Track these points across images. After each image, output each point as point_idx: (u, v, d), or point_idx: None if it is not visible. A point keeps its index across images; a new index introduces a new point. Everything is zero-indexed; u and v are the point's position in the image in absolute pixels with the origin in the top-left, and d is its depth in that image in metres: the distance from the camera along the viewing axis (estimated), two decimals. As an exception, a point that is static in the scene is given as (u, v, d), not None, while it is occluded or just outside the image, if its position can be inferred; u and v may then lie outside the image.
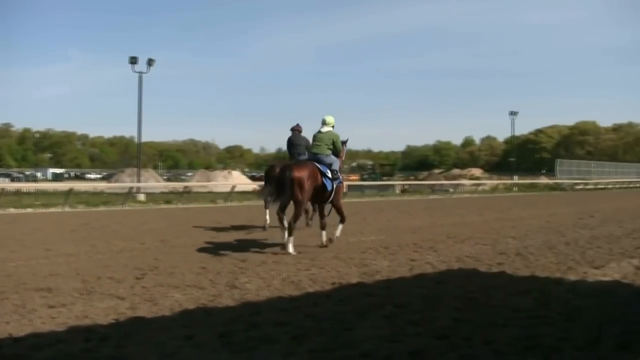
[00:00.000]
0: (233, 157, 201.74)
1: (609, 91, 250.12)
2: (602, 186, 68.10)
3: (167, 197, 39.26)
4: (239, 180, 57.06)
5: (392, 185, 53.56)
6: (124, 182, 54.06)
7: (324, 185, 13.64)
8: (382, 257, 12.31)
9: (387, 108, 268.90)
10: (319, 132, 14.28)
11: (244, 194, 44.31)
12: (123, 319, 7.17)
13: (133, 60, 43.75)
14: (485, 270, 10.90)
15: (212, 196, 40.94)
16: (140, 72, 44.04)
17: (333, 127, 14.39)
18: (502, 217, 23.52)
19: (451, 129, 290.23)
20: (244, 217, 23.31)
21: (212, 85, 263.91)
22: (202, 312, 7.53)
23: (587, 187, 65.90)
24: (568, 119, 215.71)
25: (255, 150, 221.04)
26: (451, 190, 52.98)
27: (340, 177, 14.64)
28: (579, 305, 7.83)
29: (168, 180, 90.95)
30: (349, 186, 50.97)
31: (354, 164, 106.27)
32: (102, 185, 57.36)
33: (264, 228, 18.26)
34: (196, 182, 57.28)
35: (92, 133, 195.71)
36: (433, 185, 55.21)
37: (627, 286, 9.39)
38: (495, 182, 63.84)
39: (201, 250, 13.65)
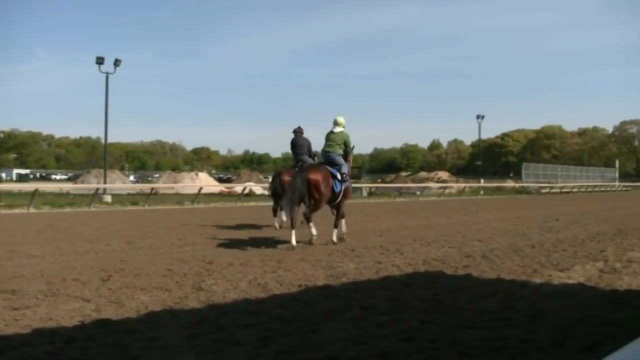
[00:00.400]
0: (200, 158, 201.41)
1: (574, 96, 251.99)
2: (568, 190, 68.63)
3: (134, 198, 39.10)
4: (206, 182, 56.73)
5: (359, 188, 53.56)
6: (90, 183, 53.62)
7: (333, 187, 14.79)
8: (348, 260, 12.31)
9: (354, 110, 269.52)
10: (332, 132, 15.38)
11: (211, 196, 44.27)
12: (88, 321, 7.10)
13: (100, 61, 43.38)
14: (452, 273, 10.93)
15: (179, 198, 40.91)
16: (107, 73, 43.73)
17: (344, 127, 15.47)
18: (468, 220, 23.63)
19: (419, 132, 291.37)
20: (211, 219, 23.30)
21: (179, 86, 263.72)
22: (168, 314, 7.49)
23: (553, 190, 66.37)
24: (534, 123, 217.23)
25: (223, 152, 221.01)
26: (418, 193, 53.16)
27: (348, 180, 15.75)
28: (544, 308, 7.87)
29: (136, 181, 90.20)
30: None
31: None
32: (68, 187, 57.08)
33: (278, 228, 19.10)
34: (163, 184, 56.92)
35: (58, 133, 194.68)
36: (400, 187, 55.39)
37: (591, 289, 9.45)
38: (462, 185, 64.09)
39: (167, 252, 13.61)
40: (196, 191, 39.04)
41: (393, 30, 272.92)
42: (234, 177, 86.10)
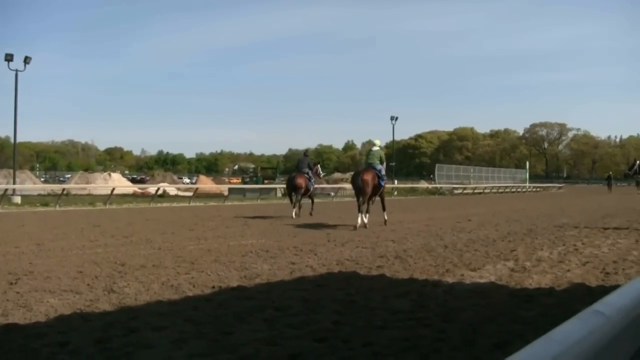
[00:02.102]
0: (113, 159, 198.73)
1: (486, 99, 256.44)
2: (480, 191, 69.78)
3: (45, 199, 38.32)
4: (119, 183, 55.83)
5: (274, 189, 53.52)
6: (-2, 184, 52.30)
7: (379, 184, 21.24)
8: (262, 261, 12.28)
9: (269, 111, 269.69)
10: (371, 150, 22.28)
11: (124, 197, 43.74)
12: (-6, 326, 6.90)
13: (9, 57, 42.25)
14: (365, 273, 11.00)
15: (92, 199, 40.38)
16: (17, 70, 42.65)
17: (379, 147, 22.27)
18: (382, 220, 23.83)
19: (333, 133, 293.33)
20: (124, 220, 23.01)
21: (92, 85, 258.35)
22: (78, 318, 7.34)
23: (465, 191, 67.38)
24: (447, 125, 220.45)
25: (136, 152, 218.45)
26: (332, 194, 53.36)
27: (386, 179, 22.69)
28: (456, 307, 7.98)
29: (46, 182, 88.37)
30: (230, 189, 51.17)
31: (236, 167, 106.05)
32: (-25, 187, 55.53)
33: (292, 216, 25.19)
34: (75, 184, 55.87)
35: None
36: (315, 188, 55.52)
37: (502, 287, 9.63)
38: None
39: (79, 254, 13.34)
40: (109, 192, 38.44)
41: (308, 31, 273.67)
42: (148, 178, 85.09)
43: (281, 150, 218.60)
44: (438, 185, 71.81)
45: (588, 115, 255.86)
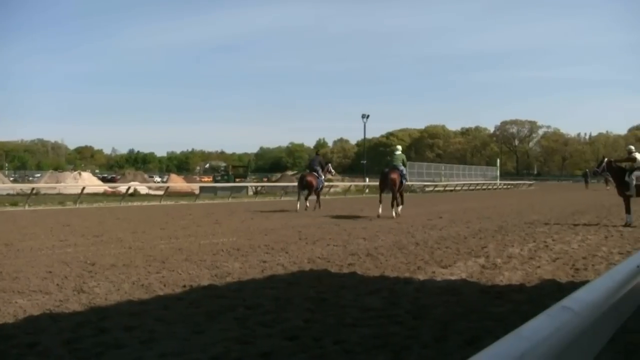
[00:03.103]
0: (83, 157, 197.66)
1: (457, 97, 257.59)
2: (451, 188, 69.94)
3: (13, 199, 37.95)
4: (89, 182, 55.43)
5: (245, 187, 53.43)
6: (-34, 184, 51.82)
7: (402, 182, 25.21)
8: (233, 259, 12.25)
9: (239, 109, 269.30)
10: (395, 153, 26.05)
11: (95, 196, 43.45)
12: (-38, 328, 6.83)
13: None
14: (336, 271, 11.01)
15: (61, 198, 40.01)
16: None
17: (401, 151, 26.38)
18: (353, 218, 23.86)
19: (305, 131, 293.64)
20: (94, 219, 22.88)
21: (62, 84, 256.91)
22: (47, 318, 7.27)
23: (437, 189, 67.54)
24: (418, 123, 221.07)
25: (107, 151, 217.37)
26: (305, 192, 53.31)
27: (407, 178, 27.26)
28: (427, 304, 8.00)
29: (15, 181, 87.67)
30: (201, 188, 51.13)
31: (207, 166, 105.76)
32: (-58, 187, 55.00)
33: (297, 210, 28.05)
34: (44, 184, 55.42)
35: None
36: (286, 187, 55.36)
37: (473, 284, 9.67)
38: (348, 184, 64.50)
39: (48, 253, 13.23)
40: (79, 191, 38.11)
41: (279, 29, 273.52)
42: (118, 177, 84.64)
43: (252, 148, 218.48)
44: (409, 183, 71.97)
45: (558, 113, 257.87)
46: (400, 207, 25.20)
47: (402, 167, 25.56)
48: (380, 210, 24.53)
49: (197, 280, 9.93)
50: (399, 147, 27.37)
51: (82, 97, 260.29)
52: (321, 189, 30.59)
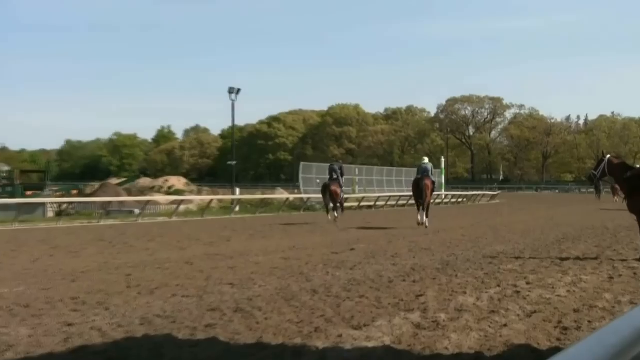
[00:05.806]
0: None
1: (377, 61, 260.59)
2: (371, 203, 69.83)
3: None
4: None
5: (42, 205, 52.89)
6: None
7: (432, 189, 38.89)
8: (18, 322, 12.02)
9: (28, 81, 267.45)
10: (423, 162, 39.10)
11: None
12: None
13: None
14: (187, 338, 10.93)
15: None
16: None
17: (429, 161, 39.66)
18: (215, 252, 23.73)
19: (136, 115, 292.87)
20: None
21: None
22: None
23: (348, 204, 67.81)
24: (318, 102, 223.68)
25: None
26: (137, 211, 52.82)
27: (436, 185, 41.93)
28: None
29: None
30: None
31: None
32: None
33: (328, 221, 38.88)
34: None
35: None
36: (108, 203, 54.99)
37: (401, 355, 9.69)
38: (207, 198, 64.53)
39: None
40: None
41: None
42: None
43: (54, 142, 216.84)
44: (304, 196, 71.58)
45: (535, 86, 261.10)
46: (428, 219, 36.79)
47: (430, 175, 37.88)
48: (419, 217, 36.47)
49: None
50: (426, 158, 41.48)
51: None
52: (344, 199, 44.31)
